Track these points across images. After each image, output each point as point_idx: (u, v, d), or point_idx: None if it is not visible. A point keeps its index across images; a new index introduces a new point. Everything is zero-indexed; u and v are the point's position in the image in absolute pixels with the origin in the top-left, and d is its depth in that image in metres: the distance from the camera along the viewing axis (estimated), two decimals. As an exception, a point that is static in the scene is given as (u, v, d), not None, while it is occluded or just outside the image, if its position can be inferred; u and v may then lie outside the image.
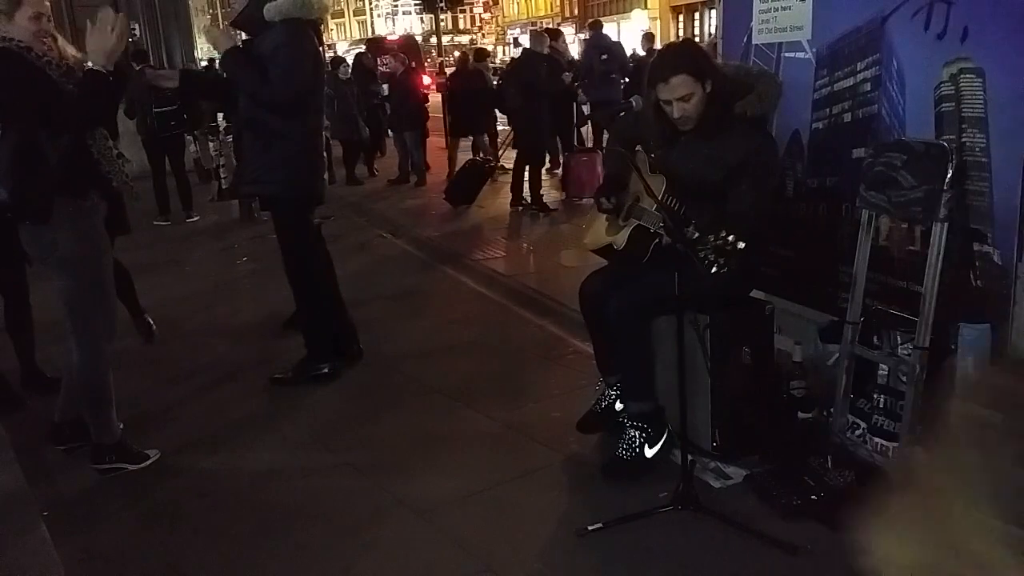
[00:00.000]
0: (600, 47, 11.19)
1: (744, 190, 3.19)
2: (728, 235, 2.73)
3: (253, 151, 4.35)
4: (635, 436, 3.38)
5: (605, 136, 9.99)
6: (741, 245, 2.73)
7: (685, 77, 3.18)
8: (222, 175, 10.59)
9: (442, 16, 33.95)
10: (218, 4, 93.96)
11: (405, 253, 7.88)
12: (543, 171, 9.81)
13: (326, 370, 4.55)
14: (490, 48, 54.87)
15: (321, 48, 4.46)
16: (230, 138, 10.46)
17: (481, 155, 11.13)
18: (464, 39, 63.52)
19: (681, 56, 3.29)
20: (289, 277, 4.61)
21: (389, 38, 19.74)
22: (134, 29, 15.77)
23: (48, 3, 3.39)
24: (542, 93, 9.06)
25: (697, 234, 2.84)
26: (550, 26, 25.03)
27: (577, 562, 2.91)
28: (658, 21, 48.49)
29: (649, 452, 3.38)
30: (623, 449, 3.39)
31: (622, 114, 4.14)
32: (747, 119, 3.28)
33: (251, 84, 4.16)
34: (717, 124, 3.25)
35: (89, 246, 3.48)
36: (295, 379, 4.52)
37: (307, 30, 4.22)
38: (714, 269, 2.75)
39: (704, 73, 3.20)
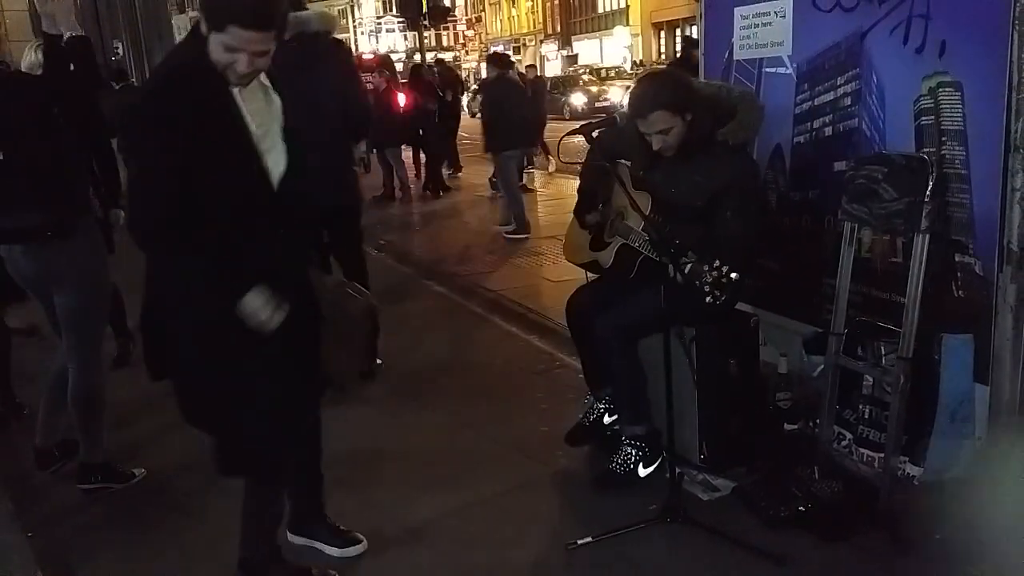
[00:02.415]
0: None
1: (730, 216, 3.20)
2: (722, 266, 2.74)
3: None
4: (631, 454, 3.39)
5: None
6: (735, 276, 2.75)
7: (663, 112, 3.17)
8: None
9: (425, 33, 34.09)
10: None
11: (391, 269, 7.87)
12: None
13: None
14: (473, 65, 55.13)
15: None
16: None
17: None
18: (447, 56, 63.81)
19: (660, 91, 3.24)
20: None
21: (365, 56, 19.87)
22: (116, 48, 15.78)
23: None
24: None
25: (690, 264, 2.84)
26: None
27: (566, 576, 2.91)
28: (639, 38, 48.87)
29: (643, 471, 3.38)
30: (618, 464, 3.39)
31: (603, 129, 4.16)
32: (729, 146, 3.30)
33: None
34: (698, 149, 3.26)
35: (100, 260, 3.51)
36: None
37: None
38: (708, 299, 2.76)
39: (684, 106, 3.19)
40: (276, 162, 2.52)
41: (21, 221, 3.34)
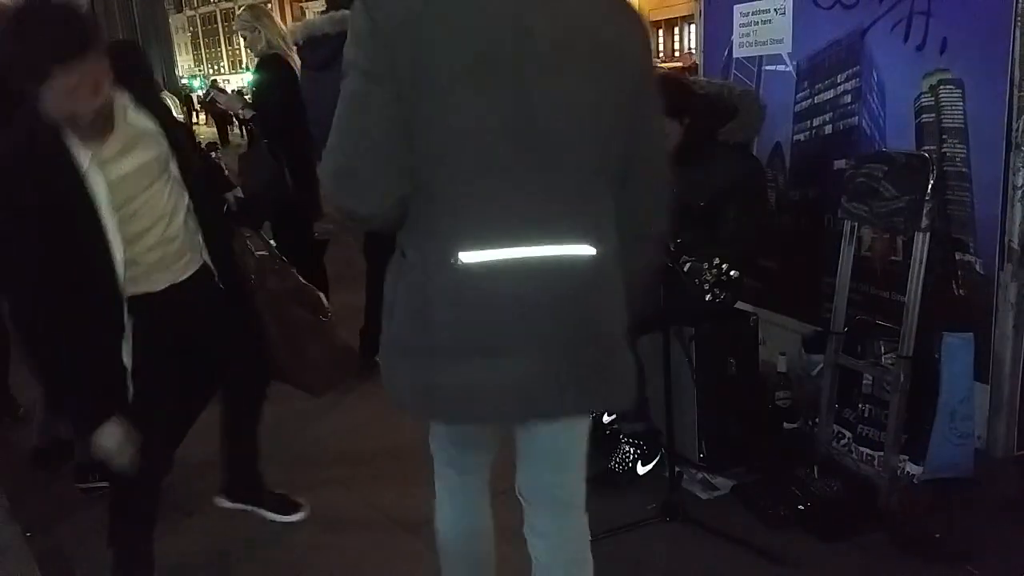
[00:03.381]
0: None
1: (731, 217, 3.19)
2: (722, 264, 2.73)
3: None
4: (629, 452, 3.38)
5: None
6: (735, 273, 2.74)
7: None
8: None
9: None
10: (199, 23, 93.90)
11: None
12: None
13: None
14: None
15: None
16: (213, 155, 10.38)
17: None
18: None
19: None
20: None
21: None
22: (114, 47, 15.78)
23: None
24: None
25: (689, 262, 2.83)
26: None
27: (566, 575, 2.90)
28: (638, 36, 48.76)
29: (641, 469, 3.38)
30: (616, 462, 3.38)
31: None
32: (730, 145, 3.29)
33: None
34: (698, 152, 3.25)
35: None
36: None
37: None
38: (708, 297, 2.76)
39: (679, 111, 3.17)
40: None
41: None
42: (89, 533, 3.32)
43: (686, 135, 3.21)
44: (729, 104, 3.35)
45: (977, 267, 3.12)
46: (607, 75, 1.65)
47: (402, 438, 3.98)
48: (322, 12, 4.46)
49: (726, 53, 4.17)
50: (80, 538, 3.29)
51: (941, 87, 3.15)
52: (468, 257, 1.61)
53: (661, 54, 41.83)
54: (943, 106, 3.16)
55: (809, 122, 3.79)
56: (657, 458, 3.38)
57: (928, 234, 2.96)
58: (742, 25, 4.05)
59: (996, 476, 3.16)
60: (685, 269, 2.82)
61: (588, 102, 1.63)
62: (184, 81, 17.04)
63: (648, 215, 1.89)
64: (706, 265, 2.75)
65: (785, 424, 3.62)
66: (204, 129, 27.36)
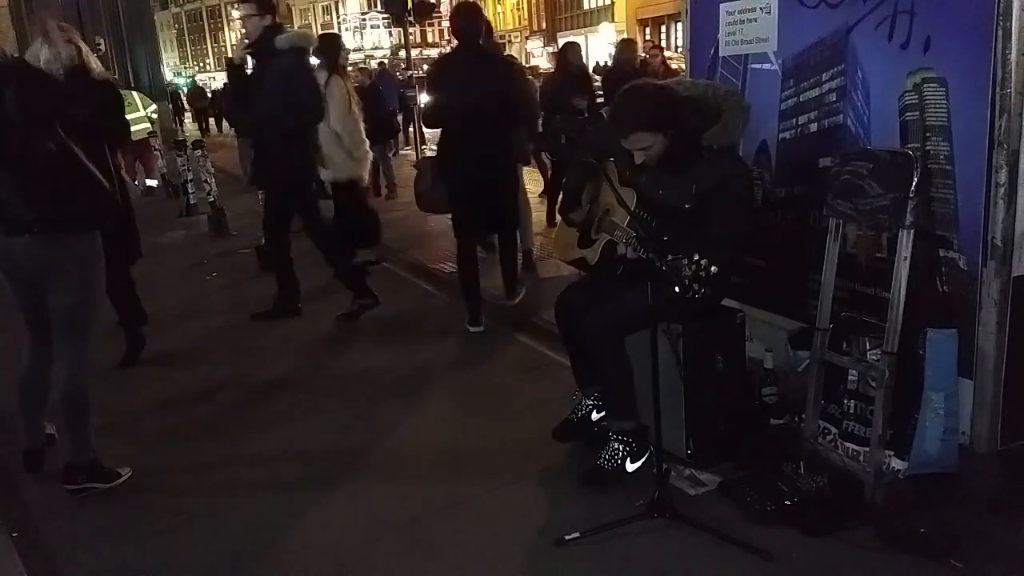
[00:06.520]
0: None
1: (717, 217, 3.20)
2: (701, 259, 2.73)
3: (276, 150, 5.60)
4: (619, 449, 3.39)
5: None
6: (714, 269, 2.74)
7: (643, 133, 3.16)
8: (190, 190, 10.52)
9: (411, 29, 33.88)
10: (184, 20, 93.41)
11: (380, 268, 7.83)
12: None
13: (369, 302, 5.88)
14: (458, 61, 54.97)
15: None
16: (198, 153, 10.39)
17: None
18: (433, 52, 63.50)
19: (638, 111, 3.19)
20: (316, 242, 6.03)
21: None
22: (99, 45, 15.66)
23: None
24: None
25: (670, 257, 2.83)
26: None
27: (555, 572, 2.91)
28: (625, 34, 48.85)
29: (630, 467, 3.39)
30: (605, 460, 3.39)
31: (591, 127, 4.15)
32: (715, 149, 3.29)
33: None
34: (684, 158, 3.25)
35: (101, 263, 3.53)
36: (356, 314, 5.87)
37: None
38: (689, 294, 2.76)
39: (663, 124, 3.16)
40: None
41: (61, 211, 3.36)
42: (76, 533, 3.32)
43: (671, 144, 3.20)
44: (714, 105, 3.34)
45: (961, 264, 3.14)
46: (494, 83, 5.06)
47: (391, 439, 4.00)
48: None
49: (712, 52, 4.18)
50: (67, 539, 3.28)
51: (925, 85, 3.17)
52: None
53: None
54: (927, 104, 3.18)
55: (795, 120, 3.80)
56: (646, 455, 3.40)
57: (912, 231, 2.98)
58: (728, 24, 4.06)
59: (980, 471, 3.18)
60: (668, 264, 2.84)
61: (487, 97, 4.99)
62: (170, 78, 16.89)
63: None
64: (686, 261, 2.76)
65: (772, 420, 3.64)
66: (189, 127, 27.24)
